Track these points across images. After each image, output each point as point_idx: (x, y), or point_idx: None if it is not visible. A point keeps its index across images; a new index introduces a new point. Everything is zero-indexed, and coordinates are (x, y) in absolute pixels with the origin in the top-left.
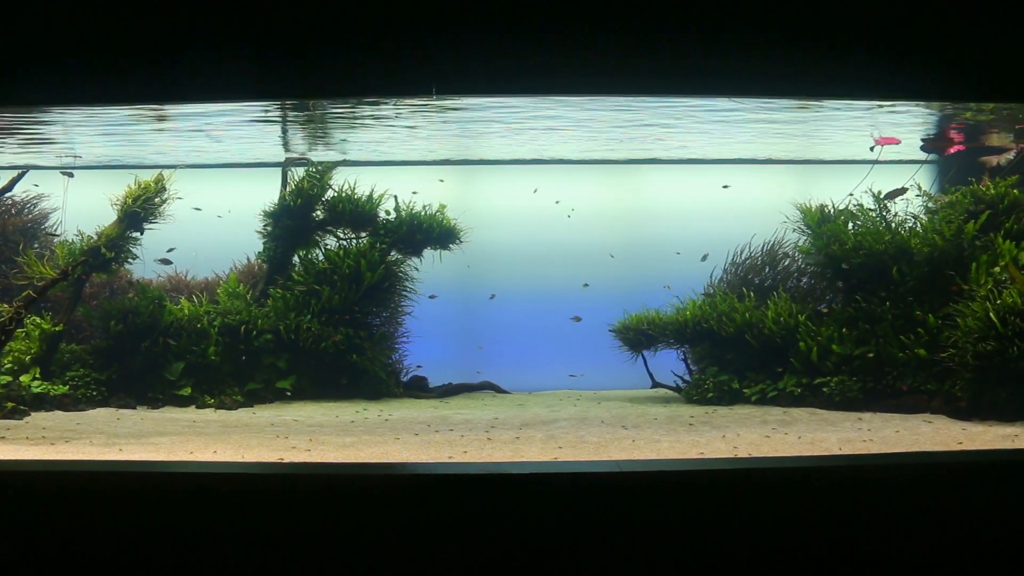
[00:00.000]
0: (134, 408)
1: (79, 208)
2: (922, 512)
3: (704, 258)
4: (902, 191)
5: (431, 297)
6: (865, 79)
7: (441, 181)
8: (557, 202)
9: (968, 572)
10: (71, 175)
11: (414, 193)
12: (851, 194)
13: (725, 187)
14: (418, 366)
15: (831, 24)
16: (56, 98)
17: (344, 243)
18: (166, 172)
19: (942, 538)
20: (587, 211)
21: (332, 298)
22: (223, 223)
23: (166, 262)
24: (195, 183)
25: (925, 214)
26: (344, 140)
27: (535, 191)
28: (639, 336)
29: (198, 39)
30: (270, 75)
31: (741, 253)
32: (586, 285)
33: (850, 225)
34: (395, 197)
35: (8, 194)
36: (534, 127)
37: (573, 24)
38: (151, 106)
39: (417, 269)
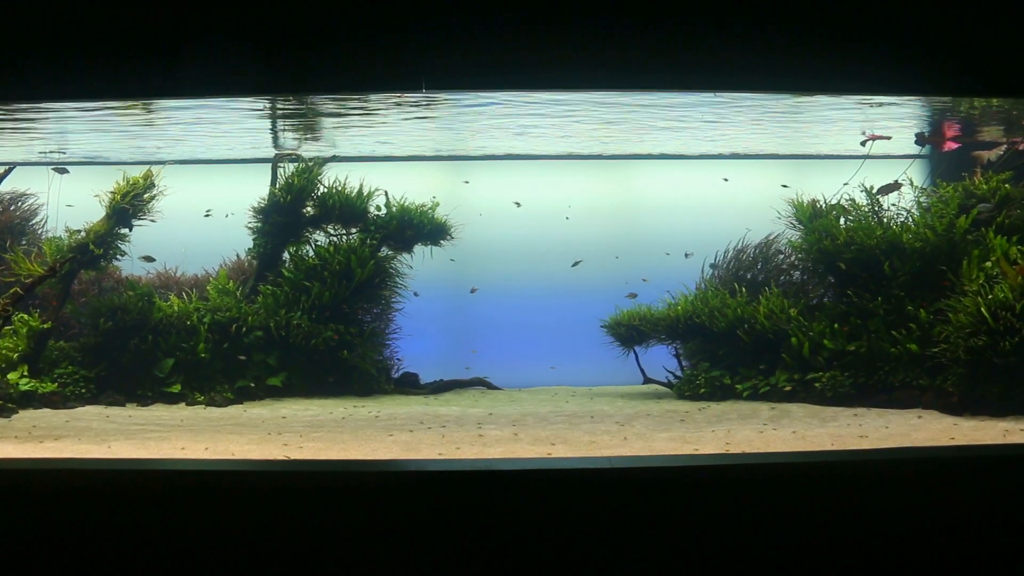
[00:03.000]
0: (123, 405)
1: (67, 204)
2: (914, 507)
3: (687, 256)
4: (896, 186)
5: (415, 295)
6: (861, 74)
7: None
8: (518, 204)
9: (960, 566)
10: (65, 171)
11: (433, 198)
12: (825, 201)
13: (725, 180)
14: (399, 358)
15: (828, 19)
16: (50, 93)
17: (334, 239)
18: (155, 168)
19: (934, 533)
20: (580, 207)
21: (323, 295)
22: (213, 217)
23: (148, 259)
24: (184, 180)
25: (917, 209)
26: (334, 135)
27: (518, 204)
28: (631, 332)
29: (189, 35)
30: (260, 70)
31: (734, 249)
32: (577, 263)
33: (842, 220)
34: (386, 192)
35: None
36: (525, 122)
37: (564, 18)
38: (143, 101)
39: (411, 267)
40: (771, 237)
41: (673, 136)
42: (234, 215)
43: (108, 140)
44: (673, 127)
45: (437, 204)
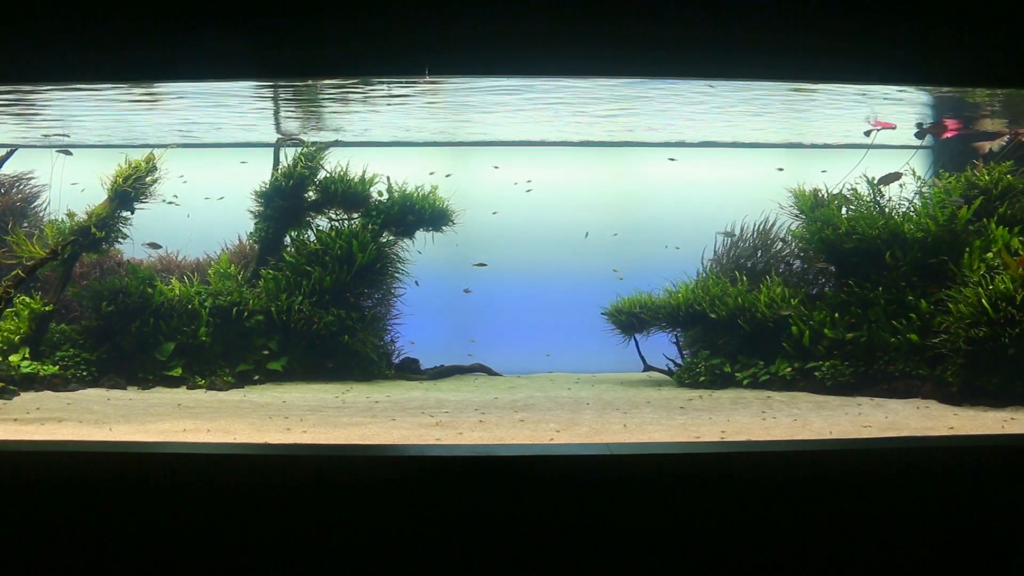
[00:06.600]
0: (125, 389)
1: (69, 187)
2: (913, 497)
3: (677, 248)
4: (897, 176)
5: (416, 283)
6: (864, 62)
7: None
8: (448, 176)
9: (958, 556)
10: (69, 153)
11: (447, 176)
12: (827, 191)
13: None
14: (411, 343)
15: (832, 5)
16: (49, 75)
17: (336, 224)
18: (157, 152)
19: (932, 522)
20: (584, 194)
21: (324, 279)
22: (213, 202)
23: (155, 246)
24: (186, 163)
25: (919, 199)
26: (337, 119)
27: (448, 176)
28: (631, 319)
29: (190, 17)
30: (262, 54)
31: (735, 239)
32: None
33: (843, 210)
34: (388, 178)
35: None
36: (528, 108)
37: (571, 3)
38: (144, 84)
39: (419, 252)
40: (770, 225)
41: (673, 124)
42: (223, 198)
43: (110, 123)
44: (676, 113)
45: (436, 188)
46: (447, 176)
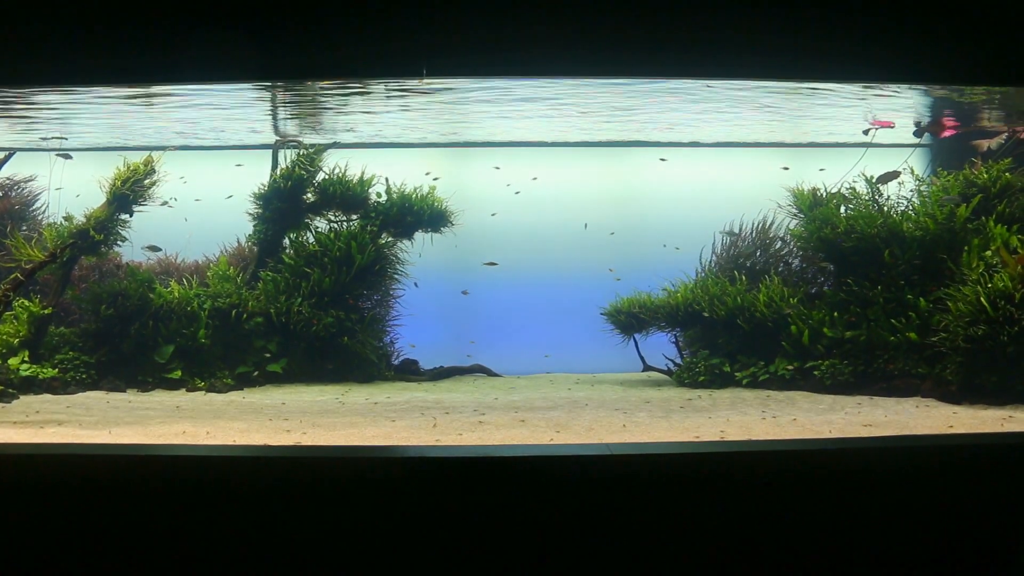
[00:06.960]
0: (124, 391)
1: (68, 190)
2: (913, 496)
3: (677, 248)
4: (895, 175)
5: (415, 285)
6: (864, 61)
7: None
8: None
9: (958, 554)
10: (69, 157)
11: (436, 179)
12: (826, 190)
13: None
14: (412, 345)
15: (832, 5)
16: (48, 78)
17: (335, 226)
18: (155, 154)
19: (932, 521)
20: (584, 193)
21: (323, 281)
22: (211, 205)
23: (154, 249)
24: (185, 165)
25: (918, 198)
26: (335, 121)
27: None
28: (631, 319)
29: (186, 19)
30: (258, 56)
31: (735, 237)
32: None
33: (842, 209)
34: (386, 179)
35: None
36: (526, 108)
37: (569, 3)
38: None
39: (420, 255)
40: (769, 224)
41: (673, 122)
42: (232, 196)
43: (109, 126)
44: (675, 112)
45: (434, 188)
46: (436, 179)
